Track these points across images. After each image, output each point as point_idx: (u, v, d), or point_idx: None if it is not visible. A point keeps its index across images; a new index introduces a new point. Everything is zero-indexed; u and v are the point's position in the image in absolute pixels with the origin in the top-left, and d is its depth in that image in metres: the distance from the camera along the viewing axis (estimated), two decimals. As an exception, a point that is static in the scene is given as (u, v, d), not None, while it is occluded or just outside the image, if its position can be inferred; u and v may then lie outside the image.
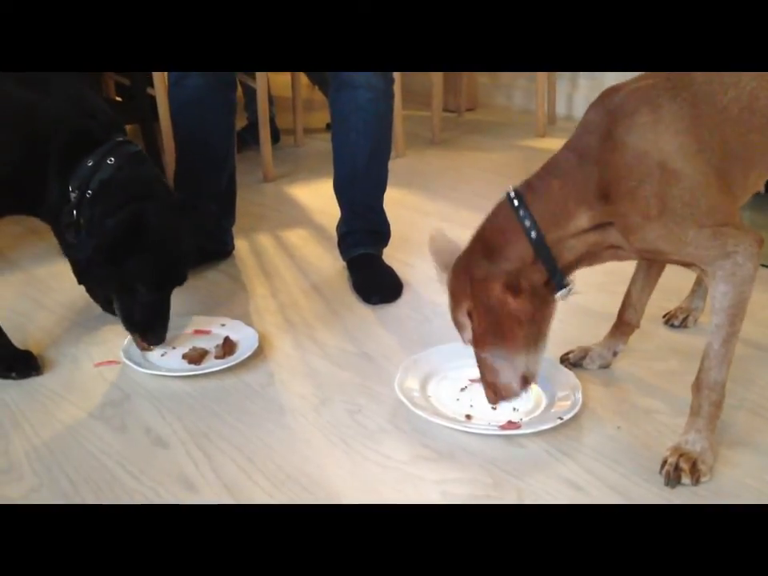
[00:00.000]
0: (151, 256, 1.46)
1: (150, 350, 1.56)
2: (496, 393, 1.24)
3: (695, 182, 1.11)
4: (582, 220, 1.16)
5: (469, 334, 1.22)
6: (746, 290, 1.14)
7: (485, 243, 1.21)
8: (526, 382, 1.24)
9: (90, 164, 1.44)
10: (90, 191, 1.43)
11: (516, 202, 1.18)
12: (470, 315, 1.20)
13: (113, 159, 1.45)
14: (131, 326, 1.52)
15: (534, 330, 1.21)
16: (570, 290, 1.22)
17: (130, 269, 1.45)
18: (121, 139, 1.49)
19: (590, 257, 1.21)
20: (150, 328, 1.52)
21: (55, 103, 1.42)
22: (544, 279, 1.19)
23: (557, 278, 1.19)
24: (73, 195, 1.44)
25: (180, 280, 1.55)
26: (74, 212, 1.45)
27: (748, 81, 1.16)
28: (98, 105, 1.51)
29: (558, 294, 1.21)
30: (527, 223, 1.16)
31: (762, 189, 1.31)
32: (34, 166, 1.42)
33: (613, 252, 1.21)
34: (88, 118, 1.46)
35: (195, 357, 1.54)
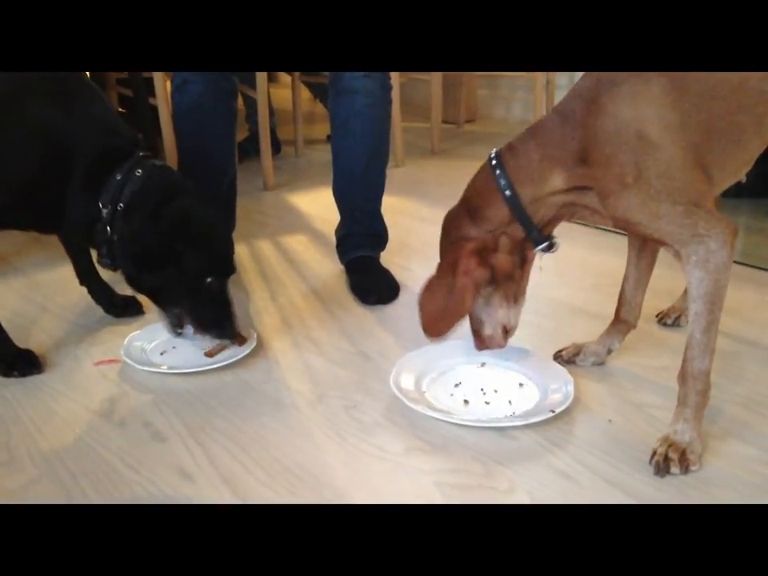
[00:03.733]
0: (209, 245, 1.47)
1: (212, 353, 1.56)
2: (482, 341, 1.37)
3: (672, 155, 1.13)
4: (557, 180, 1.20)
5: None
6: (721, 278, 1.15)
7: (469, 204, 1.28)
8: (506, 332, 1.37)
9: (118, 178, 1.44)
10: (121, 204, 1.44)
11: (494, 162, 1.24)
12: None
13: (140, 171, 1.45)
14: (205, 327, 1.50)
15: (513, 286, 1.30)
16: (550, 245, 1.28)
17: (193, 263, 1.44)
18: (143, 154, 1.50)
19: (567, 214, 1.27)
20: (225, 323, 1.51)
21: (77, 122, 1.43)
22: (522, 236, 1.26)
23: (533, 234, 1.26)
24: (105, 211, 1.44)
25: (233, 267, 1.55)
26: (108, 228, 1.45)
27: None
28: (119, 122, 1.52)
29: (537, 249, 1.28)
30: (502, 182, 1.23)
31: (743, 178, 1.33)
32: (53, 185, 1.43)
33: (590, 214, 1.25)
34: (112, 135, 1.47)
35: (216, 350, 1.56)
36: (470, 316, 1.35)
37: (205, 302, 1.49)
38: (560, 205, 1.24)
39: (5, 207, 1.44)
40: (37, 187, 1.43)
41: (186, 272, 1.45)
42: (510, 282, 1.29)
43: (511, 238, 1.26)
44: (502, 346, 1.39)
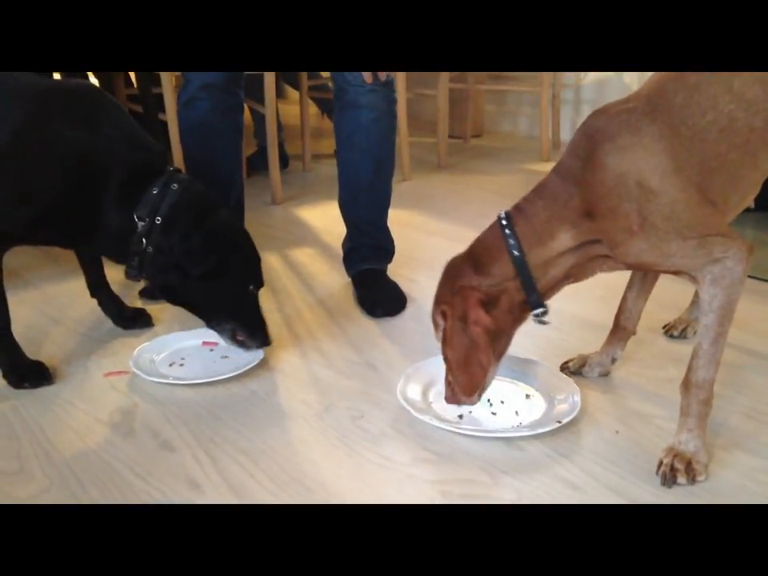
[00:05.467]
0: (249, 255, 1.58)
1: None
2: (454, 395, 1.31)
3: (673, 199, 1.15)
4: (565, 239, 1.21)
5: (440, 333, 1.31)
6: (734, 292, 1.16)
7: (475, 257, 1.28)
8: (480, 391, 1.29)
9: (155, 192, 1.48)
10: (159, 218, 1.48)
11: (504, 222, 1.25)
12: (444, 316, 1.28)
13: (176, 185, 1.50)
14: (250, 335, 1.57)
15: (501, 344, 1.28)
16: (544, 312, 1.26)
17: (240, 272, 1.55)
18: (173, 168, 1.55)
19: (577, 272, 1.27)
20: (263, 329, 1.59)
21: (105, 139, 1.46)
22: (522, 298, 1.25)
23: (532, 298, 1.25)
24: (141, 224, 1.47)
25: (262, 278, 1.63)
26: (144, 240, 1.48)
27: (725, 104, 1.20)
28: (146, 137, 1.56)
29: (532, 314, 1.27)
30: (511, 242, 1.23)
31: (752, 204, 1.35)
32: (85, 201, 1.46)
33: (601, 263, 1.25)
34: (141, 150, 1.51)
35: None
36: (446, 364, 1.30)
37: (245, 310, 1.57)
38: (569, 266, 1.24)
39: (38, 225, 1.46)
40: (68, 205, 1.45)
41: (233, 282, 1.54)
42: (500, 340, 1.27)
43: (510, 297, 1.25)
44: (473, 404, 1.33)
